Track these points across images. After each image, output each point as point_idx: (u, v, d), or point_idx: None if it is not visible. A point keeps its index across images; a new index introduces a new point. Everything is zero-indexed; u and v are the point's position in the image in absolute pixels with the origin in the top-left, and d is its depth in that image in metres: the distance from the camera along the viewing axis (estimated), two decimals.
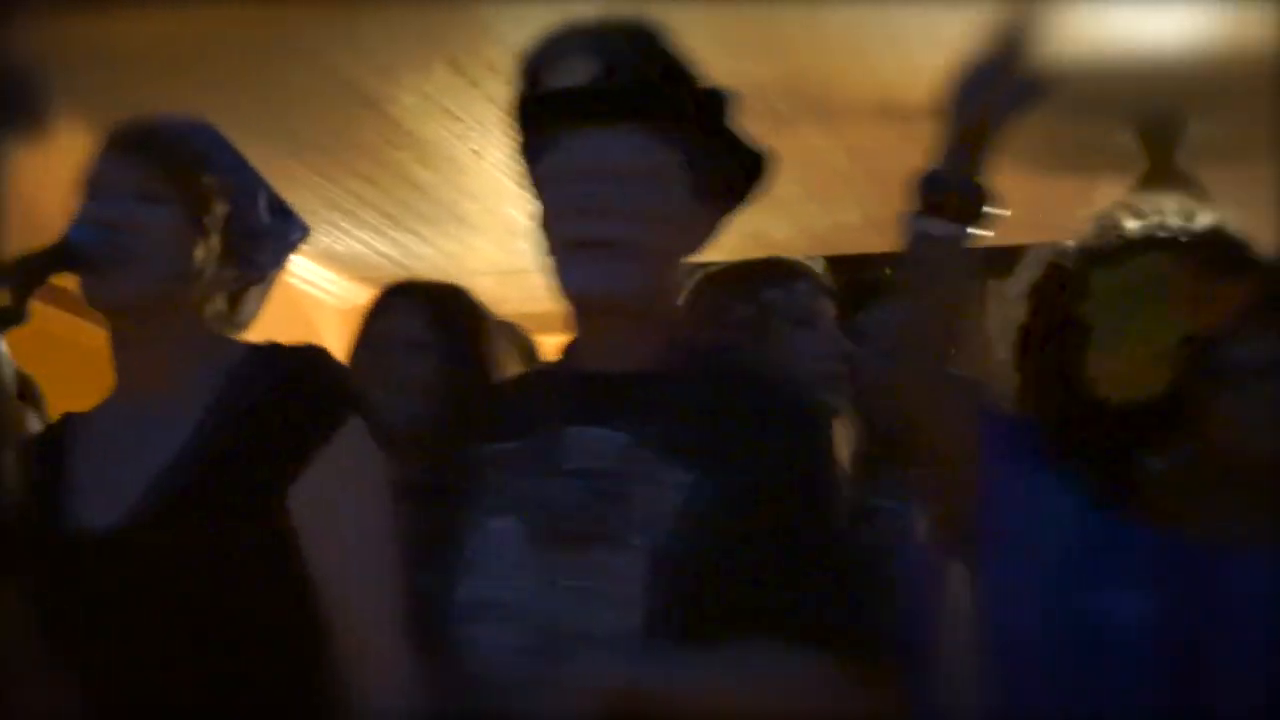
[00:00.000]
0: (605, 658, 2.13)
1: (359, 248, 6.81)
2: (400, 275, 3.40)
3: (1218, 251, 2.36)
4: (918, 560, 2.48)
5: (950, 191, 2.28)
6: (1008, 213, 2.30)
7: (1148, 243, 2.37)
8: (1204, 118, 5.51)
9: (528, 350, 3.55)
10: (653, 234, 2.28)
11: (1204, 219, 2.40)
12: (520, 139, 2.38)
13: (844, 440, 2.68)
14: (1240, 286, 2.34)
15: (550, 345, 2.68)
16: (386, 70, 5.07)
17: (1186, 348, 2.31)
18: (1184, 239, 2.37)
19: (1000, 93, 2.29)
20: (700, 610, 2.18)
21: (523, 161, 2.38)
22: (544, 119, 2.32)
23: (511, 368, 3.19)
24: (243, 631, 2.15)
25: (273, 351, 2.27)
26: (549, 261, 2.32)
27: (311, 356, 2.28)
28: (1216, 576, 2.33)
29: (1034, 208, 5.90)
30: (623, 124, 2.28)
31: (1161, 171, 5.56)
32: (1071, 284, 2.40)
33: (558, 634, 2.18)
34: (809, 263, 3.23)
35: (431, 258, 6.88)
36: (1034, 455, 2.36)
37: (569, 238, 2.28)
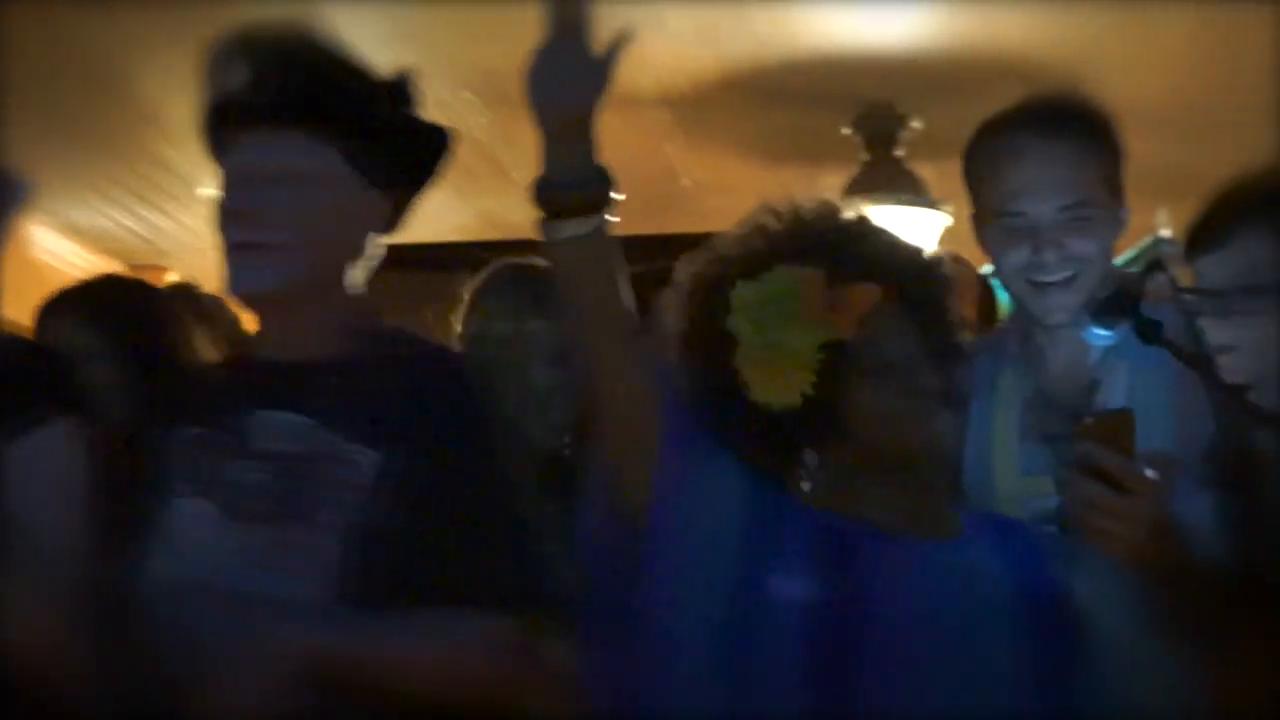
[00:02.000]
0: (296, 627, 2.19)
1: (104, 222, 6.79)
2: (144, 249, 3.41)
3: (847, 257, 2.40)
4: (601, 533, 2.44)
5: (567, 190, 2.25)
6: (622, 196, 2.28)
7: (781, 255, 2.39)
8: (923, 112, 5.68)
9: (231, 325, 3.53)
10: (310, 231, 2.33)
11: (841, 219, 2.44)
12: (207, 144, 2.44)
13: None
14: (871, 290, 2.38)
15: None
16: (133, 47, 5.10)
17: (825, 352, 2.35)
18: (815, 248, 2.40)
19: (577, 78, 2.27)
20: (391, 580, 2.26)
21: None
22: (214, 125, 2.40)
23: (211, 344, 3.23)
24: None
25: None
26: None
27: (29, 350, 2.35)
28: (873, 564, 2.38)
29: (762, 196, 6.09)
30: (278, 128, 2.34)
31: (880, 163, 5.73)
32: (716, 297, 2.42)
33: (252, 608, 2.23)
34: None
35: (175, 233, 6.88)
36: (708, 439, 2.40)
37: (226, 241, 2.34)
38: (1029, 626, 2.37)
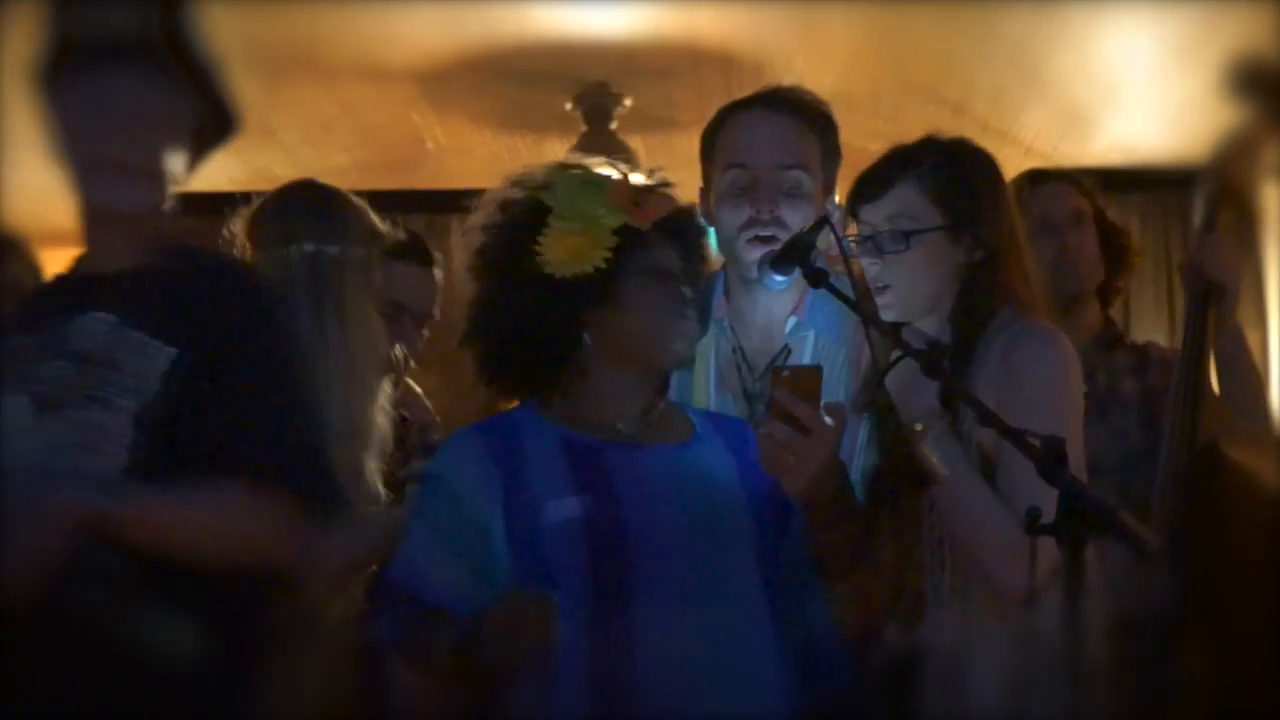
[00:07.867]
0: (71, 491, 2.30)
1: None
2: None
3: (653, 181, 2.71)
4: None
5: None
6: None
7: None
8: (634, 92, 5.98)
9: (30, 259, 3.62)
10: (165, 160, 2.47)
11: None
12: (46, 79, 2.52)
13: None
14: (669, 199, 2.66)
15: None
16: None
17: (619, 236, 2.58)
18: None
19: None
20: (177, 459, 2.39)
21: (44, 87, 2.52)
22: (55, 62, 2.50)
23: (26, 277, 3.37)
24: None
25: None
26: (71, 178, 2.49)
27: None
28: (621, 472, 2.56)
29: (494, 160, 6.19)
30: (126, 65, 2.46)
31: (596, 135, 5.96)
32: (537, 183, 2.65)
33: (49, 480, 2.33)
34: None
35: None
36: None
37: (93, 160, 2.47)
38: (759, 510, 2.61)
